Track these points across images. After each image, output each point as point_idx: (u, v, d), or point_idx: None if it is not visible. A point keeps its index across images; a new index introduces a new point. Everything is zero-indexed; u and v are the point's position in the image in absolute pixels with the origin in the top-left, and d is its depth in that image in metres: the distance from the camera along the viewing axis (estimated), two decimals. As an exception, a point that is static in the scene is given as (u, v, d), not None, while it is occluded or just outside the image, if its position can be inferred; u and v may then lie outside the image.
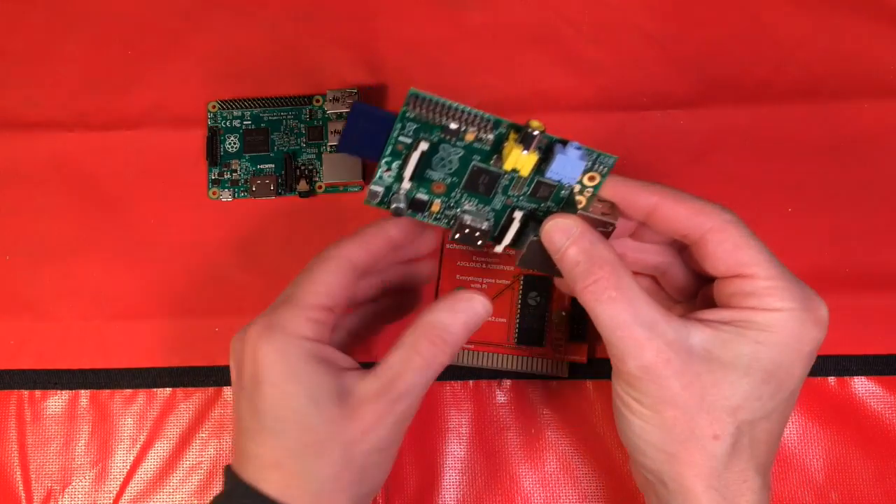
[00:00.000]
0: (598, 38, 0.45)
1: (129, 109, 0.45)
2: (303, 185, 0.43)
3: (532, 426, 0.42)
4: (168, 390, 0.42)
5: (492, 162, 0.31)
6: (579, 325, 0.41)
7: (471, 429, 0.42)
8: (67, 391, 0.42)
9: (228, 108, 0.44)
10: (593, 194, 0.32)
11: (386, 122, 0.30)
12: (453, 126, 0.30)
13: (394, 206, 0.31)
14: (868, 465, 0.41)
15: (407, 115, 0.29)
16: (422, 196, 0.32)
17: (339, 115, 0.43)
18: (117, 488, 0.42)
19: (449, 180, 0.31)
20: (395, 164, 0.31)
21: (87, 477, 0.42)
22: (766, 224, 0.43)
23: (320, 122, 0.44)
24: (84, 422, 0.42)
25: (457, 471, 0.42)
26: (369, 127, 0.30)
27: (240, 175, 0.44)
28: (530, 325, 0.41)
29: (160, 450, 0.42)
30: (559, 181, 0.31)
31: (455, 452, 0.42)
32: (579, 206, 0.32)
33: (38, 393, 0.42)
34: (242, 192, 0.44)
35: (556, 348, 0.41)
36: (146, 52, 0.45)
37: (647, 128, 0.44)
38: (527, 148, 0.29)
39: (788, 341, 0.30)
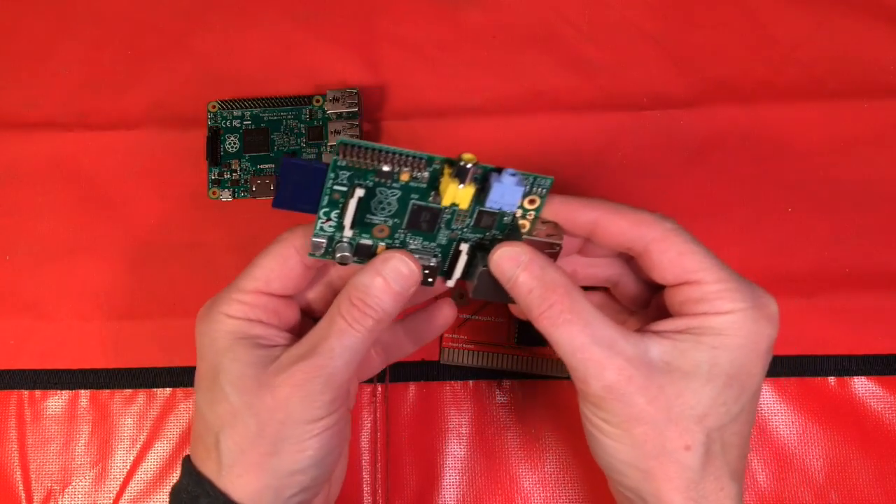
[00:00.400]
0: (598, 38, 0.45)
1: (129, 109, 0.45)
2: (303, 185, 0.43)
3: (532, 426, 0.42)
4: (168, 390, 0.42)
5: (430, 198, 0.31)
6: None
7: (471, 429, 0.42)
8: (67, 391, 0.42)
9: (228, 108, 0.44)
10: (535, 217, 0.32)
11: (318, 174, 0.30)
12: (386, 168, 0.30)
13: (339, 255, 0.31)
14: (868, 465, 0.41)
15: (338, 163, 0.29)
16: (366, 241, 0.31)
17: (339, 115, 0.43)
18: (117, 488, 0.42)
19: (391, 222, 0.31)
20: (333, 214, 0.31)
21: (87, 477, 0.42)
22: (766, 224, 0.43)
23: (320, 122, 0.44)
24: (84, 422, 0.42)
25: (457, 471, 0.42)
26: (302, 180, 0.30)
27: (240, 175, 0.44)
28: (530, 325, 0.41)
29: (160, 450, 0.42)
30: (500, 209, 0.31)
31: (455, 452, 0.42)
32: (524, 231, 0.31)
33: (38, 393, 0.42)
34: (242, 192, 0.44)
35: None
36: (146, 52, 0.45)
37: (647, 128, 0.44)
38: (462, 182, 0.29)
39: (744, 342, 0.30)
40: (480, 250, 0.32)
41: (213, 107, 0.44)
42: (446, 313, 0.36)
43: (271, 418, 0.29)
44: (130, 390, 0.42)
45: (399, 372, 0.42)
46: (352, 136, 0.43)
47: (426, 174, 0.30)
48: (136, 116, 0.45)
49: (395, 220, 0.31)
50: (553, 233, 0.32)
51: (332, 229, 0.31)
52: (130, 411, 0.42)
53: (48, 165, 0.44)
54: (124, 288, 0.43)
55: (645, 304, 0.35)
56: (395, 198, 0.30)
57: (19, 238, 0.44)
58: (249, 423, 0.30)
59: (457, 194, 0.29)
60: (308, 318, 0.34)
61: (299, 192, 0.30)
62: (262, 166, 0.44)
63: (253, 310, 0.32)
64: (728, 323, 0.30)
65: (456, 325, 0.42)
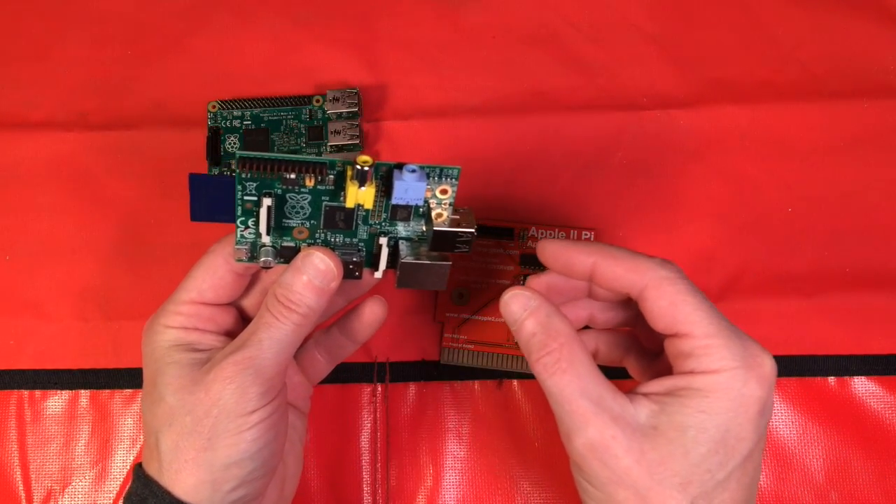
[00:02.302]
0: (598, 38, 0.45)
1: (129, 109, 0.45)
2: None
3: (532, 426, 0.42)
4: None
5: (341, 199, 0.31)
6: (579, 325, 0.41)
7: (471, 429, 0.42)
8: (67, 391, 0.42)
9: (228, 108, 0.44)
10: (450, 206, 0.32)
11: (227, 186, 0.31)
12: (291, 176, 0.30)
13: (262, 259, 0.32)
14: (868, 465, 0.41)
15: (242, 176, 0.30)
16: (288, 243, 0.32)
17: (339, 115, 0.43)
18: (117, 488, 0.41)
19: (308, 224, 0.32)
20: (250, 221, 0.31)
21: (87, 477, 0.42)
22: (766, 224, 0.43)
23: (320, 122, 0.44)
24: (84, 422, 0.42)
25: (457, 471, 0.42)
26: (213, 193, 0.31)
27: (240, 175, 0.44)
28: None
29: (160, 450, 0.42)
30: (407, 203, 0.31)
31: (455, 452, 0.42)
32: (439, 220, 0.32)
33: (38, 393, 0.42)
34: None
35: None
36: (146, 52, 0.45)
37: (647, 128, 0.44)
38: (361, 184, 0.30)
39: (732, 405, 0.28)
40: (403, 240, 0.32)
41: (213, 107, 0.44)
42: (374, 310, 0.36)
43: (205, 413, 0.30)
44: (130, 390, 0.42)
45: (399, 372, 0.42)
46: (352, 135, 0.43)
47: (331, 177, 0.30)
48: (136, 116, 0.45)
49: (312, 221, 0.32)
50: (466, 221, 0.32)
51: (252, 236, 0.32)
52: (130, 411, 0.42)
53: (48, 165, 0.44)
54: (124, 288, 0.43)
55: (661, 348, 0.35)
56: (306, 201, 0.31)
57: (19, 238, 0.44)
58: (185, 421, 0.30)
59: (359, 195, 0.30)
60: (247, 322, 0.35)
61: (213, 205, 0.31)
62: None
63: (189, 319, 0.33)
64: (715, 383, 0.28)
65: (456, 325, 0.42)
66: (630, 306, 0.35)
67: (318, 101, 0.44)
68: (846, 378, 0.42)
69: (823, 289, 0.42)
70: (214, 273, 0.33)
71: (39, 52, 0.46)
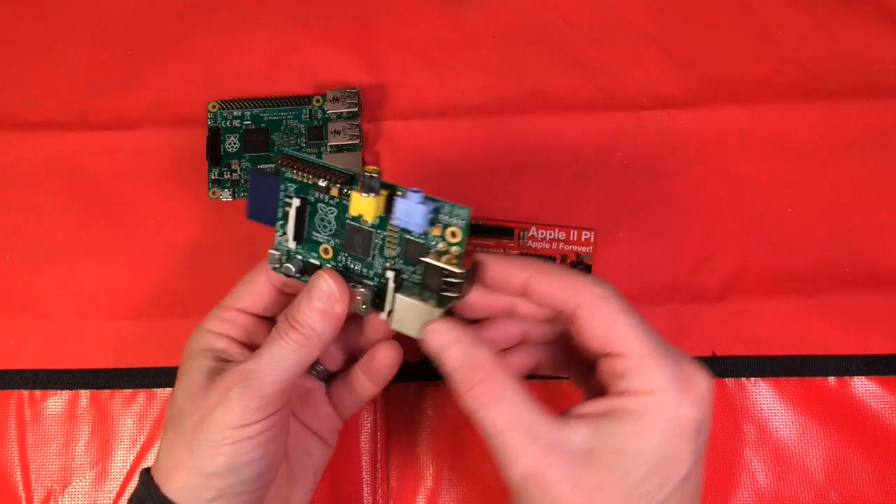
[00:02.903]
0: (598, 38, 0.45)
1: (129, 109, 0.45)
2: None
3: (532, 426, 0.42)
4: (168, 390, 0.42)
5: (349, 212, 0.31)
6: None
7: (471, 429, 0.42)
8: (67, 391, 0.42)
9: (228, 108, 0.44)
10: (460, 251, 0.31)
11: (272, 185, 0.31)
12: (322, 183, 0.31)
13: (284, 266, 0.33)
14: (868, 465, 0.41)
15: (286, 175, 0.31)
16: (314, 261, 0.33)
17: (339, 115, 0.43)
18: (117, 488, 0.42)
19: (333, 242, 0.32)
20: (286, 227, 0.32)
21: (87, 477, 0.42)
22: (766, 224, 0.43)
23: (320, 122, 0.44)
24: (84, 422, 0.42)
25: (457, 471, 0.42)
26: (264, 192, 0.32)
27: (240, 175, 0.44)
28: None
29: (160, 450, 0.42)
30: (405, 227, 0.30)
31: (455, 452, 0.42)
32: (430, 259, 0.31)
33: (38, 393, 0.42)
34: (242, 192, 0.44)
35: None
36: (146, 52, 0.45)
37: (647, 128, 0.44)
38: (365, 191, 0.30)
39: (666, 427, 0.28)
40: (408, 280, 0.32)
41: (213, 107, 0.44)
42: (387, 353, 0.35)
43: (200, 420, 0.31)
44: (130, 390, 0.42)
45: (399, 372, 0.42)
46: (352, 135, 0.43)
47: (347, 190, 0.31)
48: (136, 116, 0.45)
49: (337, 240, 0.32)
50: (463, 267, 0.30)
51: (287, 244, 0.33)
52: (130, 411, 0.42)
53: (48, 165, 0.44)
54: (124, 288, 0.43)
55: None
56: (332, 216, 0.31)
57: (19, 238, 0.44)
58: (184, 424, 0.31)
59: (361, 204, 0.30)
60: None
61: (263, 204, 0.32)
62: (262, 166, 0.44)
63: (224, 324, 0.34)
64: (648, 405, 0.28)
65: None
66: (563, 321, 0.33)
67: (318, 101, 0.44)
68: (846, 378, 0.42)
69: (823, 289, 0.42)
70: (256, 283, 0.34)
71: (39, 52, 0.46)
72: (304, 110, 0.44)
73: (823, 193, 0.44)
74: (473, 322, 0.33)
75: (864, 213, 0.43)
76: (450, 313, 0.32)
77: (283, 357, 0.31)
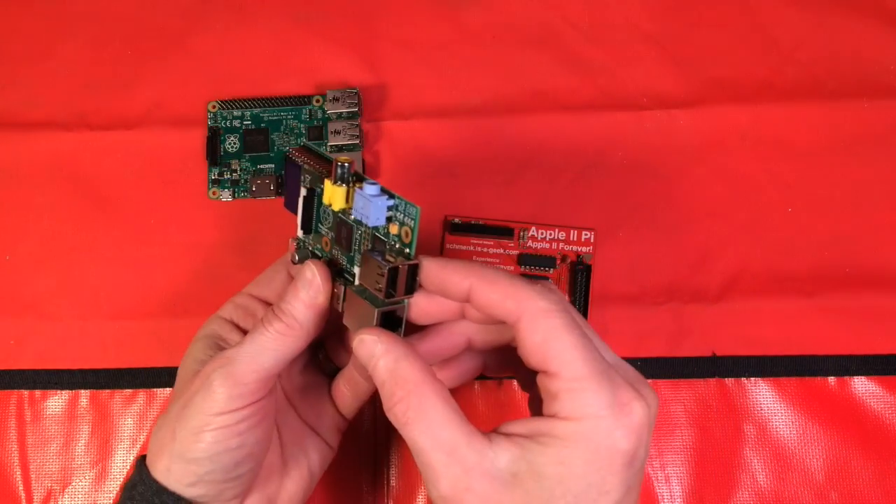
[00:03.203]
0: (598, 38, 0.45)
1: (129, 109, 0.45)
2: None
3: (532, 426, 0.42)
4: (168, 390, 0.42)
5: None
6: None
7: (471, 429, 0.42)
8: (67, 391, 0.42)
9: (228, 108, 0.44)
10: (409, 247, 0.29)
11: (297, 170, 0.32)
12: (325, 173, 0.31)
13: (291, 253, 0.33)
14: (868, 465, 0.41)
15: (304, 166, 0.31)
16: (317, 253, 0.33)
17: (339, 115, 0.43)
18: (117, 488, 0.41)
19: (331, 235, 0.32)
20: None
21: (87, 477, 0.42)
22: (766, 224, 0.43)
23: (320, 122, 0.44)
24: (84, 422, 0.42)
25: (457, 471, 0.41)
26: (293, 181, 0.32)
27: (240, 175, 0.44)
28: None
29: (160, 450, 0.42)
30: (364, 220, 0.30)
31: (455, 452, 0.42)
32: (368, 252, 0.30)
33: (38, 393, 0.42)
34: (242, 192, 0.44)
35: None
36: (146, 52, 0.45)
37: (647, 128, 0.44)
38: (334, 180, 0.30)
39: (593, 457, 0.26)
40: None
41: (213, 107, 0.44)
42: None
43: (184, 405, 0.31)
44: (130, 390, 0.42)
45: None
46: (352, 135, 0.43)
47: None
48: (136, 116, 0.45)
49: (332, 233, 0.32)
50: (406, 281, 0.30)
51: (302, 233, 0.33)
52: (130, 411, 0.42)
53: (48, 165, 0.44)
54: (124, 288, 0.43)
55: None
56: (330, 207, 0.31)
57: (19, 238, 0.44)
58: (173, 408, 0.32)
59: (331, 192, 0.30)
60: None
61: (291, 194, 0.33)
62: (262, 166, 0.44)
63: (236, 311, 0.34)
64: (575, 432, 0.26)
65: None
66: (509, 330, 0.31)
67: (318, 101, 0.44)
68: (846, 378, 0.42)
69: (823, 289, 0.42)
70: (278, 272, 0.35)
71: (39, 52, 0.46)
72: (304, 110, 0.44)
73: (823, 193, 0.43)
74: (421, 327, 0.32)
75: (864, 213, 0.43)
76: (396, 318, 0.30)
77: (264, 346, 0.31)
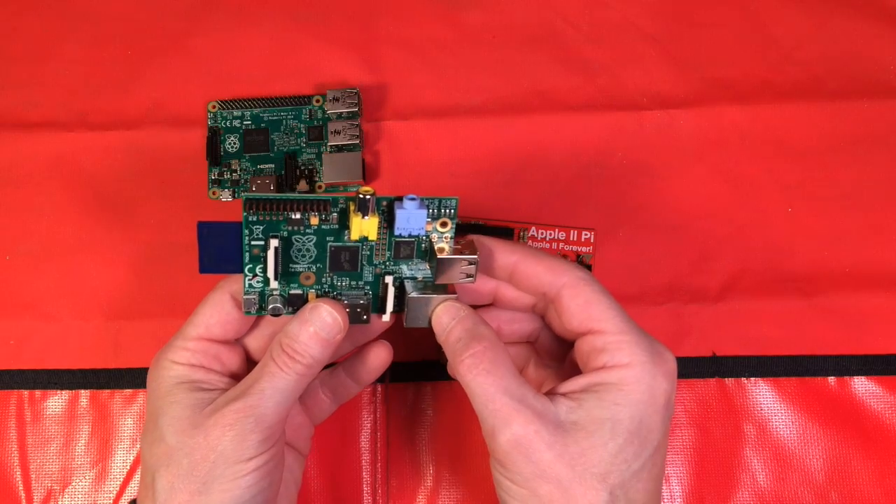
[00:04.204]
0: (598, 38, 0.45)
1: (129, 109, 0.45)
2: (303, 185, 0.43)
3: (532, 426, 0.42)
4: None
5: (345, 237, 0.32)
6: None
7: (470, 429, 0.42)
8: (67, 391, 0.42)
9: (228, 108, 0.44)
10: (451, 238, 0.32)
11: (235, 232, 0.31)
12: (296, 216, 0.31)
13: (270, 307, 0.33)
14: (868, 465, 0.41)
15: (250, 219, 0.30)
16: (296, 290, 0.33)
17: (339, 115, 0.43)
18: (117, 488, 0.42)
19: (314, 268, 0.32)
20: (258, 269, 0.32)
21: (87, 477, 0.42)
22: (766, 224, 0.43)
23: (320, 122, 0.44)
24: (84, 422, 0.42)
25: (456, 471, 0.42)
26: (221, 242, 0.31)
27: (240, 175, 0.44)
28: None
29: (160, 450, 0.42)
30: (409, 234, 0.32)
31: (455, 452, 0.42)
32: (442, 255, 0.32)
33: (38, 393, 0.42)
34: (242, 191, 0.44)
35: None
36: (146, 52, 0.45)
37: (647, 128, 0.44)
38: (364, 214, 0.30)
39: (642, 396, 0.30)
40: (407, 279, 0.33)
41: (213, 107, 0.44)
42: (380, 355, 0.37)
43: (203, 458, 0.30)
44: (130, 390, 0.42)
45: (399, 372, 0.42)
46: (352, 135, 0.43)
47: (334, 214, 0.31)
48: (136, 116, 0.45)
49: (318, 265, 0.32)
50: (469, 249, 0.32)
51: (260, 284, 0.32)
52: (130, 411, 0.42)
53: (48, 165, 0.44)
54: (124, 288, 0.43)
55: (562, 358, 0.36)
56: (311, 243, 0.31)
57: (19, 238, 0.44)
58: (182, 462, 0.31)
59: (363, 227, 0.30)
60: (252, 365, 0.35)
61: (222, 253, 0.31)
62: (262, 166, 0.44)
63: (195, 355, 0.33)
64: (627, 376, 0.30)
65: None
66: (534, 319, 0.37)
67: (318, 101, 0.44)
68: (846, 378, 0.42)
69: (823, 289, 0.42)
70: (222, 308, 0.34)
71: (39, 52, 0.46)
72: (304, 110, 0.44)
73: (823, 193, 0.44)
74: None
75: (864, 213, 0.43)
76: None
77: (284, 388, 0.31)
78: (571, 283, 0.32)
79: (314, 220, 0.31)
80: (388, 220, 0.31)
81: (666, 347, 0.32)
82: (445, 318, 0.33)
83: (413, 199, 0.31)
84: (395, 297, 0.33)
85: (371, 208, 0.30)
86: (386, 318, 0.34)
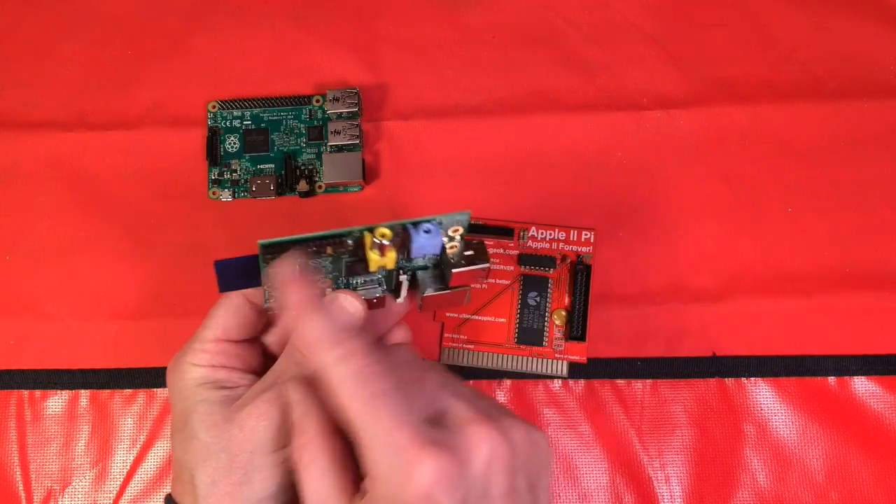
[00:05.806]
0: (598, 38, 0.45)
1: (129, 109, 0.45)
2: (303, 185, 0.43)
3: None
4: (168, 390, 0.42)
5: (361, 267, 0.32)
6: (579, 324, 0.41)
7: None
8: (67, 391, 0.42)
9: (228, 108, 0.44)
10: (462, 240, 0.32)
11: (253, 265, 0.31)
12: (311, 250, 0.31)
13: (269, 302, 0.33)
14: (868, 465, 0.41)
15: (266, 257, 0.31)
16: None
17: (339, 115, 0.43)
18: (117, 488, 0.42)
19: (331, 276, 0.32)
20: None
21: (87, 477, 0.42)
22: (766, 224, 0.43)
23: (320, 122, 0.44)
24: (84, 422, 0.42)
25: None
26: (239, 273, 0.31)
27: (240, 175, 0.44)
28: (530, 325, 0.41)
29: (160, 450, 0.42)
30: (425, 255, 0.32)
31: (455, 452, 0.42)
32: (452, 251, 0.32)
33: (38, 393, 0.42)
34: (242, 192, 0.44)
35: (556, 348, 0.41)
36: (146, 52, 0.45)
37: (647, 128, 0.44)
38: (382, 254, 0.31)
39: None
40: (420, 269, 0.33)
41: (213, 107, 0.44)
42: (398, 335, 0.36)
43: (240, 449, 0.31)
44: (130, 390, 0.42)
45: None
46: (352, 135, 0.43)
47: (350, 242, 0.31)
48: (136, 116, 0.45)
49: (335, 274, 0.32)
50: (479, 253, 0.32)
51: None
52: (130, 411, 0.42)
53: (48, 165, 0.44)
54: (124, 288, 0.43)
55: None
56: (327, 263, 0.32)
57: (19, 238, 0.44)
58: (220, 457, 0.31)
59: (380, 261, 0.31)
60: (271, 360, 0.35)
61: (241, 277, 0.32)
62: (262, 166, 0.44)
63: (215, 357, 0.33)
64: (374, 495, 0.27)
65: (456, 325, 0.42)
66: None
67: (318, 101, 0.44)
68: (846, 378, 0.42)
69: (823, 289, 0.42)
70: (237, 310, 0.34)
71: (39, 52, 0.46)
72: (304, 110, 0.44)
73: (823, 193, 0.44)
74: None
75: (864, 213, 0.43)
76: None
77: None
78: (322, 369, 0.29)
79: (329, 251, 0.31)
80: (402, 242, 0.32)
81: (432, 452, 0.26)
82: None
83: (429, 230, 0.31)
84: (409, 284, 0.34)
85: (388, 249, 0.31)
86: (400, 300, 0.34)
